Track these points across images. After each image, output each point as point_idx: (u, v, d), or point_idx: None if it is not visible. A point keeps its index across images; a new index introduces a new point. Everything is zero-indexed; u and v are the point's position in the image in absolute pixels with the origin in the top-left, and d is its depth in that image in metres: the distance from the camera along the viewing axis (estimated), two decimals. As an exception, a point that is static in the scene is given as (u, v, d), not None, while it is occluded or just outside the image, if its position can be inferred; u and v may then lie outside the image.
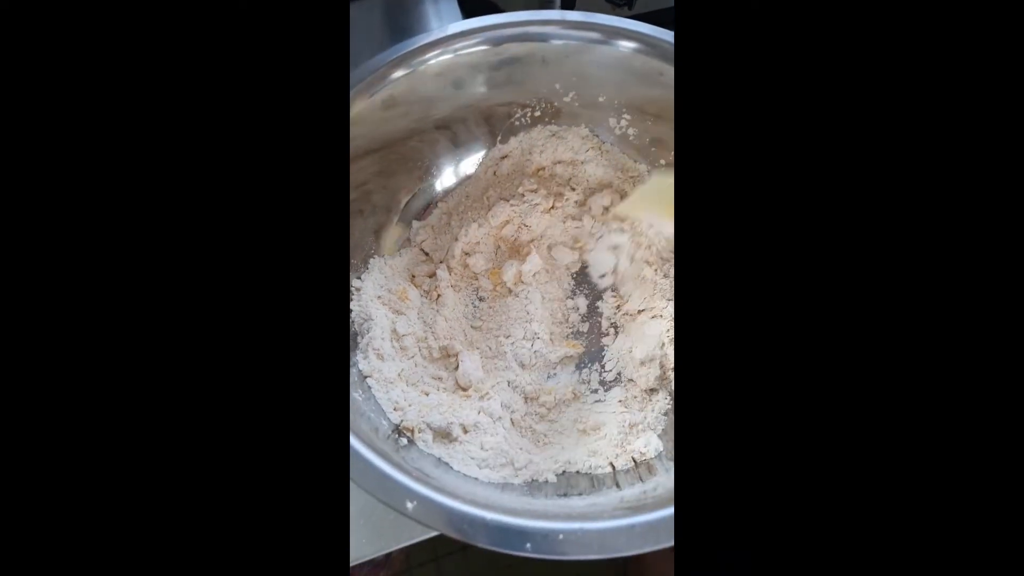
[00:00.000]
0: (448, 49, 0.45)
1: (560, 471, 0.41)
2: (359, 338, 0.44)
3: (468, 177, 0.53)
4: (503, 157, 0.54)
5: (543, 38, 0.47)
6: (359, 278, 0.47)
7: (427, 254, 0.51)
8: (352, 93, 0.42)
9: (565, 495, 0.40)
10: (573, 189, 0.54)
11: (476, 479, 0.39)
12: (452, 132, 0.51)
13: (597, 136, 0.53)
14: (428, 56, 0.45)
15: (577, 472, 0.41)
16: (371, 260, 0.48)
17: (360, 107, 0.43)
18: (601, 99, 0.51)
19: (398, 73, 0.44)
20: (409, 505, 0.32)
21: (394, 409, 0.42)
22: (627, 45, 0.47)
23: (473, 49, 0.46)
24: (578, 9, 0.61)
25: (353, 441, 0.33)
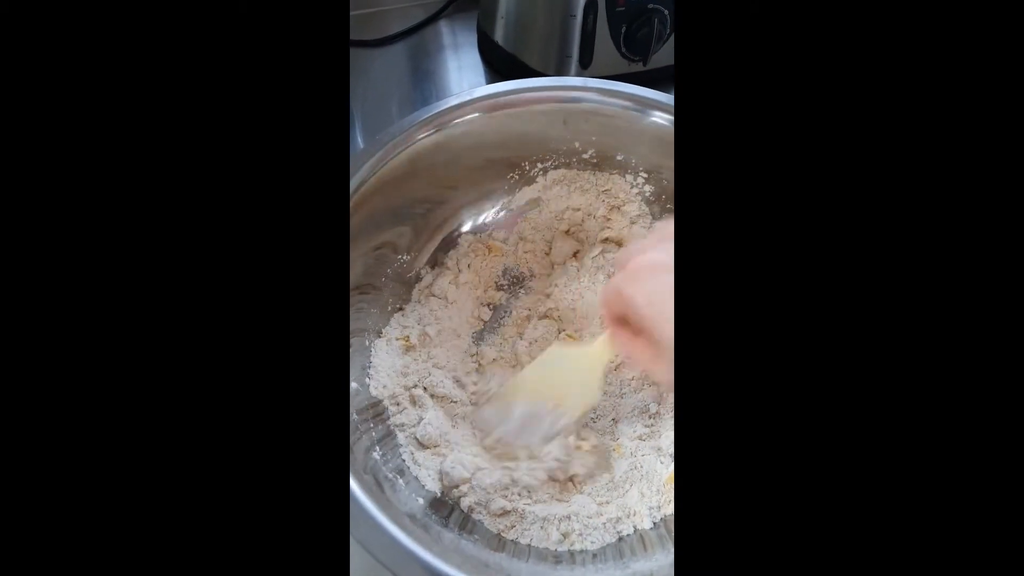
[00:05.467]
0: (473, 110, 0.46)
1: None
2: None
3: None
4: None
5: (568, 100, 0.48)
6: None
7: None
8: (382, 152, 0.43)
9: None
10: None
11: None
12: (467, 189, 0.52)
13: (609, 190, 0.54)
14: (455, 117, 0.46)
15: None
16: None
17: (388, 165, 0.44)
18: (619, 157, 0.52)
19: (425, 133, 0.45)
20: None
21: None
22: (662, 116, 0.48)
23: (497, 113, 0.47)
24: (596, 62, 0.63)
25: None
